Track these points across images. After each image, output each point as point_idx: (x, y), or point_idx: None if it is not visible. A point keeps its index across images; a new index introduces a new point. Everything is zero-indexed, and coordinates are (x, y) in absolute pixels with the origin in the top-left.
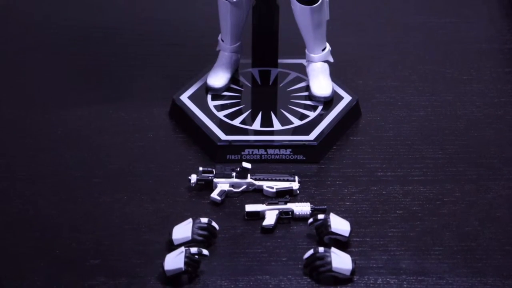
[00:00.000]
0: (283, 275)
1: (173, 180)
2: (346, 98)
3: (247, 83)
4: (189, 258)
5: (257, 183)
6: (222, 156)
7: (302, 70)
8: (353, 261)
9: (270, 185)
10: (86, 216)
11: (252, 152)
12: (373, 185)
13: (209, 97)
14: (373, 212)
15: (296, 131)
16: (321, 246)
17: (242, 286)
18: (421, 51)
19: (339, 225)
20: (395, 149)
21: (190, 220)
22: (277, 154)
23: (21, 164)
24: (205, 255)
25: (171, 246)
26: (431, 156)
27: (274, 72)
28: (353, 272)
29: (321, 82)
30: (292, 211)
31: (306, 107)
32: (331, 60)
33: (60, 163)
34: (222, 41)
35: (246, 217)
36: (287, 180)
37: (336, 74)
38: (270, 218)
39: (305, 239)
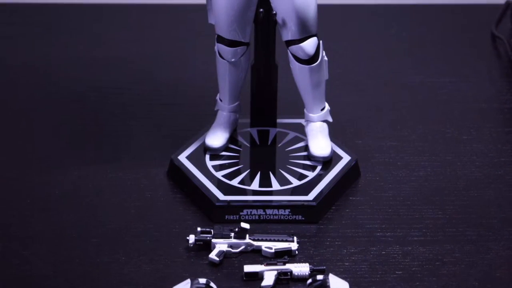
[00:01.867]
0: None
1: (171, 240)
2: (345, 158)
3: (245, 143)
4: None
5: (256, 243)
6: (221, 216)
7: (301, 130)
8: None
9: (269, 246)
10: (83, 277)
11: (251, 212)
12: (372, 246)
13: (207, 157)
14: (372, 273)
15: (295, 191)
16: None
17: None
18: (421, 111)
19: (338, 285)
20: (395, 210)
21: (188, 281)
22: (275, 215)
23: (19, 224)
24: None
25: None
26: (430, 216)
27: (272, 132)
28: None
29: (320, 142)
30: (291, 272)
31: (305, 167)
32: (330, 120)
33: (57, 223)
34: (221, 100)
35: (244, 278)
36: (286, 241)
37: (335, 134)
38: (268, 279)
39: None
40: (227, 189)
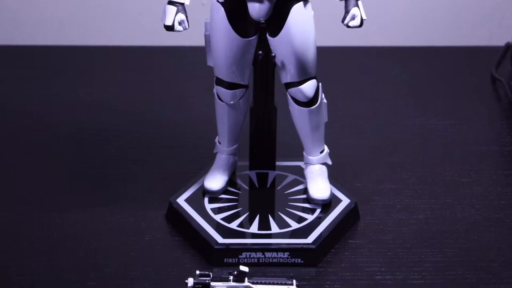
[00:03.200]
0: None
1: (170, 283)
2: (345, 201)
3: (244, 185)
4: None
5: (255, 286)
6: (220, 260)
7: (300, 173)
8: None
9: None
10: None
11: (250, 255)
12: None
13: (206, 199)
14: None
15: (294, 234)
16: None
17: None
18: (421, 153)
19: None
20: (394, 253)
21: None
22: (275, 258)
23: (17, 268)
24: None
25: None
26: (430, 259)
27: (271, 174)
28: None
29: (319, 185)
30: None
31: (304, 210)
32: (329, 162)
33: (56, 267)
34: (219, 143)
35: None
36: (285, 284)
37: (334, 177)
38: None
39: None
40: (226, 232)
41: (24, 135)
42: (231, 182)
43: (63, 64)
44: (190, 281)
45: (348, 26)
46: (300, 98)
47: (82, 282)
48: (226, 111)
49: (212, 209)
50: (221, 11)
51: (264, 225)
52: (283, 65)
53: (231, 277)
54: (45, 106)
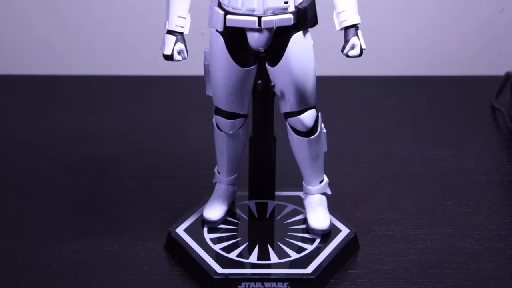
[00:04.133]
0: None
1: None
2: (344, 231)
3: (243, 215)
4: None
5: None
6: None
7: (299, 203)
8: None
9: None
10: None
11: (249, 285)
12: None
13: (205, 229)
14: None
15: (294, 264)
16: None
17: None
18: (420, 183)
19: None
20: (394, 283)
21: None
22: None
23: None
24: None
25: None
26: None
27: (271, 204)
28: None
29: (318, 215)
30: None
31: (304, 240)
32: (329, 192)
33: None
34: (219, 173)
35: None
36: None
37: (334, 207)
38: None
39: None
40: (225, 262)
41: (22, 164)
42: (230, 212)
43: (62, 93)
44: None
45: (347, 56)
46: (300, 127)
47: None
48: (225, 141)
49: (211, 239)
50: (220, 41)
51: (264, 255)
52: (282, 94)
53: None
54: (43, 135)
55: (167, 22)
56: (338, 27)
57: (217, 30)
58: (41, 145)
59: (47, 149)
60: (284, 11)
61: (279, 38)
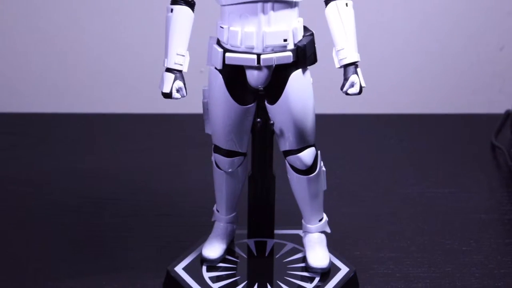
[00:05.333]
0: None
1: None
2: (343, 270)
3: (243, 254)
4: None
5: None
6: None
7: (298, 241)
8: None
9: None
10: None
11: None
12: None
13: (204, 268)
14: None
15: None
16: None
17: None
18: (420, 222)
19: None
20: None
21: None
22: None
23: None
24: None
25: None
26: None
27: (270, 243)
28: None
29: (318, 253)
30: None
31: (303, 278)
32: (328, 230)
33: None
34: (218, 211)
35: None
36: None
37: (333, 245)
38: None
39: None
40: None
41: (22, 202)
42: (229, 250)
43: (62, 132)
44: None
45: (347, 94)
46: (299, 166)
47: None
48: (224, 179)
49: (211, 278)
50: (219, 79)
51: None
52: (281, 132)
53: None
54: (42, 173)
55: (166, 60)
56: (337, 65)
57: (216, 68)
58: (40, 183)
59: (46, 187)
60: (284, 48)
61: (278, 76)
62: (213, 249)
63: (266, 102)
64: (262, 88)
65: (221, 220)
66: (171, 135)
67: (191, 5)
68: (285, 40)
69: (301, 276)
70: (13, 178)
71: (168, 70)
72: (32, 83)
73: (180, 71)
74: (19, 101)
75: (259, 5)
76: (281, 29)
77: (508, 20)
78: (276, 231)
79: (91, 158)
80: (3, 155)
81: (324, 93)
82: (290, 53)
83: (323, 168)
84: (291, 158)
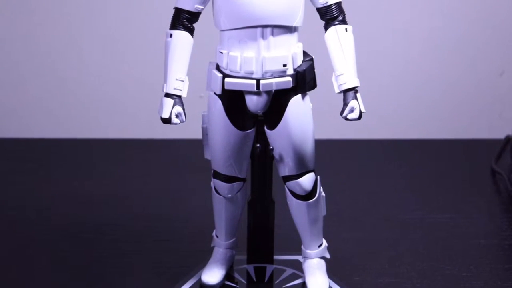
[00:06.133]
0: None
1: None
2: None
3: (242, 279)
4: None
5: None
6: None
7: (298, 267)
8: None
9: None
10: None
11: None
12: None
13: None
14: None
15: None
16: None
17: None
18: (420, 247)
19: None
20: None
21: None
22: None
23: None
24: None
25: None
26: None
27: (269, 268)
28: None
29: (317, 279)
30: None
31: None
32: (328, 256)
33: None
34: (217, 237)
35: None
36: None
37: (333, 271)
38: None
39: None
40: None
41: (21, 228)
42: (228, 276)
43: (61, 157)
44: None
45: (346, 119)
46: (298, 191)
47: None
48: (224, 204)
49: None
50: (218, 104)
51: None
52: (281, 158)
53: None
54: (42, 199)
55: (165, 85)
56: (337, 90)
57: (215, 93)
58: (39, 209)
59: (45, 213)
60: (283, 74)
61: (278, 101)
62: (213, 275)
63: (265, 128)
64: (261, 113)
65: (221, 245)
66: (170, 160)
67: (191, 30)
68: (284, 65)
69: None
70: (13, 204)
71: (167, 95)
72: (32, 109)
73: (179, 96)
74: (19, 127)
75: (259, 30)
76: (281, 54)
77: (508, 46)
78: (276, 257)
79: (91, 184)
80: (3, 180)
81: (324, 118)
82: (289, 78)
83: (323, 194)
84: (290, 183)
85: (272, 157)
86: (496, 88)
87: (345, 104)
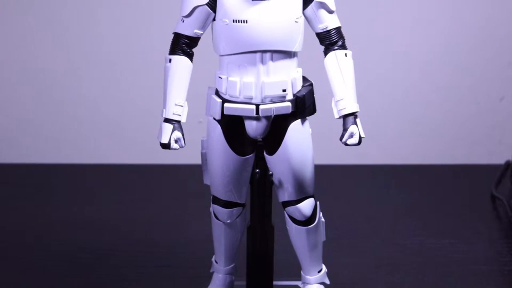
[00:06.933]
0: None
1: None
2: None
3: None
4: None
5: None
6: None
7: None
8: None
9: None
10: None
11: None
12: None
13: None
14: None
15: None
16: None
17: None
18: (420, 273)
19: None
20: None
21: None
22: None
23: None
24: None
25: None
26: None
27: None
28: None
29: None
30: None
31: None
32: (327, 282)
33: None
34: (216, 262)
35: None
36: None
37: None
38: None
39: None
40: None
41: (21, 254)
42: None
43: (60, 182)
44: None
45: (346, 144)
46: (298, 217)
47: None
48: (223, 230)
49: None
50: (217, 129)
51: None
52: (280, 183)
53: None
54: (41, 224)
55: (164, 110)
56: (336, 115)
57: (214, 118)
58: (39, 234)
59: (45, 238)
60: (283, 99)
61: (277, 126)
62: None
63: (265, 153)
64: (260, 139)
65: (220, 271)
66: (169, 185)
67: (190, 55)
68: (284, 91)
69: None
70: (12, 229)
71: (167, 120)
72: (31, 134)
73: (179, 122)
74: (18, 152)
75: (258, 55)
76: (280, 79)
77: (508, 71)
78: (275, 282)
79: (90, 209)
80: (2, 205)
81: (323, 143)
82: (289, 104)
83: (322, 219)
84: (290, 209)
85: (272, 182)
86: (496, 113)
87: (345, 130)
